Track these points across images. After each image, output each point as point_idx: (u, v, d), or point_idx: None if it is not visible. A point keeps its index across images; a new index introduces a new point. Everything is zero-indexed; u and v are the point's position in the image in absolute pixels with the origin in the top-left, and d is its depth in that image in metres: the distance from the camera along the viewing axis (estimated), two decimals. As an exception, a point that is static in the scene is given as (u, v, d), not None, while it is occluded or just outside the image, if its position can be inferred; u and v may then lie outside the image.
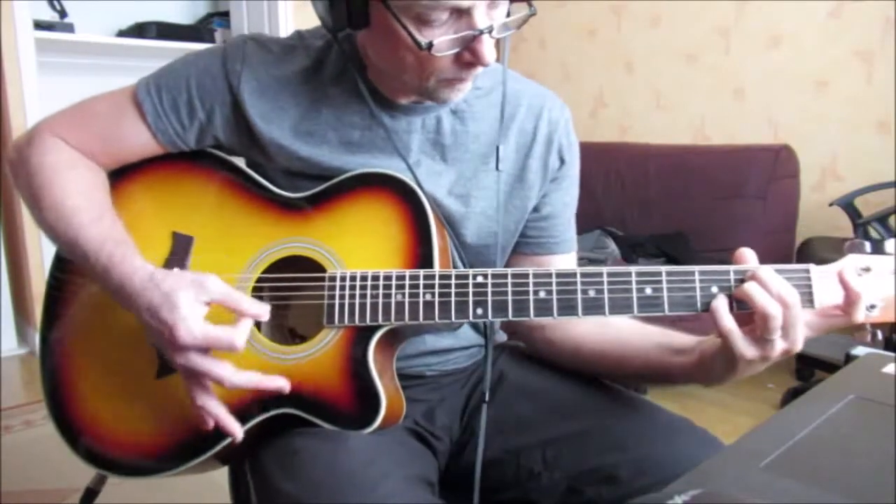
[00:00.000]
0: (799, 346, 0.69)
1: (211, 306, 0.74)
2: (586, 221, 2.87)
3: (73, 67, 3.11)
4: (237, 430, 0.76)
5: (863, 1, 2.57)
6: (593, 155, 3.10)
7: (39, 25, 2.80)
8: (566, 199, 0.94)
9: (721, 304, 0.70)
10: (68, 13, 3.07)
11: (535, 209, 0.92)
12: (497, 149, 0.87)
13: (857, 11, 2.59)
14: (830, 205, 2.25)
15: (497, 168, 0.87)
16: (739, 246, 0.74)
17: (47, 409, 0.88)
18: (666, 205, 2.81)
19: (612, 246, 2.68)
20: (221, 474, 0.93)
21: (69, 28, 2.99)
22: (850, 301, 0.68)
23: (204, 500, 1.53)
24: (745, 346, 0.69)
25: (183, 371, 0.74)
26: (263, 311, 0.74)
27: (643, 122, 3.31)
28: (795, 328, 0.68)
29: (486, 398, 0.85)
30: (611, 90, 3.43)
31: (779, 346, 0.68)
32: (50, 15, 3.02)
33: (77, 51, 3.07)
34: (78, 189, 0.84)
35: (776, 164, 2.60)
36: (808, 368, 2.54)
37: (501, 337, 1.05)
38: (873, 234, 2.08)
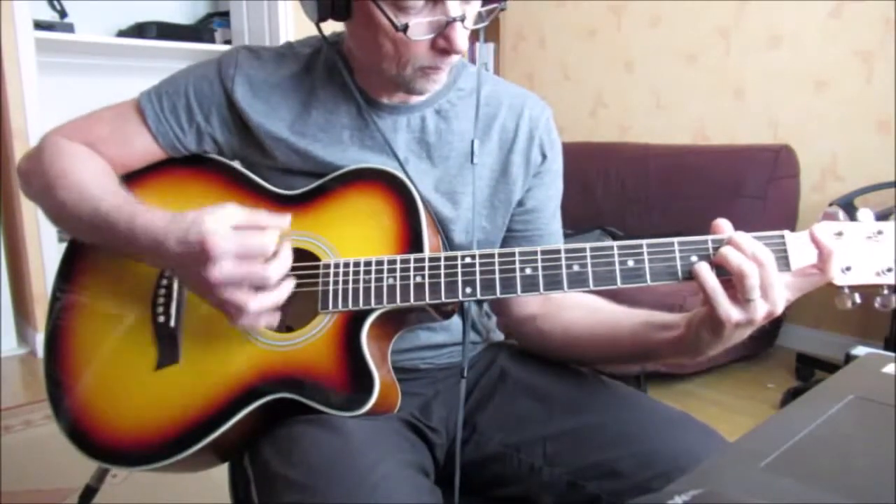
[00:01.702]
0: (780, 308, 0.71)
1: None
2: (586, 221, 2.88)
3: (73, 67, 3.11)
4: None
5: (863, 1, 2.57)
6: (593, 155, 3.11)
7: (39, 25, 2.80)
8: (549, 192, 0.97)
9: (703, 266, 0.71)
10: (68, 13, 3.08)
11: (519, 203, 0.96)
12: (472, 143, 0.90)
13: (857, 11, 2.60)
14: (830, 205, 2.25)
15: (472, 162, 0.90)
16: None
17: (49, 402, 0.89)
18: (666, 205, 2.82)
19: (612, 246, 2.68)
20: (221, 474, 0.93)
21: (69, 28, 2.99)
22: (823, 257, 0.71)
23: (204, 500, 1.53)
24: (729, 307, 0.70)
25: (220, 285, 0.74)
26: (284, 220, 0.78)
27: (643, 122, 3.31)
28: (773, 288, 0.70)
29: (465, 373, 0.87)
30: (611, 90, 3.44)
31: (760, 307, 0.70)
32: (50, 15, 3.03)
33: (77, 51, 3.07)
34: (96, 171, 0.88)
35: (776, 164, 2.60)
36: (808, 368, 2.55)
37: (499, 336, 1.06)
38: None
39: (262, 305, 0.75)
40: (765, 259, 0.69)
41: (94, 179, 0.86)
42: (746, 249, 0.70)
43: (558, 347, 0.94)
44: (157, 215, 0.79)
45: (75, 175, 0.86)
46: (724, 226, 0.73)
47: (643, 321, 0.85)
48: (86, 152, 0.90)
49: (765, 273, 0.69)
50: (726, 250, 0.70)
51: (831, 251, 0.70)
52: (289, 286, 0.77)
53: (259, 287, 0.75)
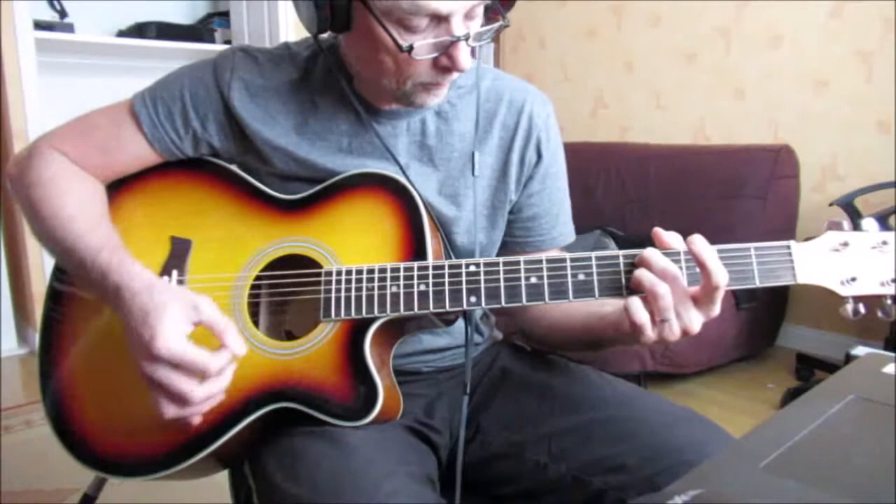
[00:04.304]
0: (696, 327, 0.73)
1: (197, 328, 0.75)
2: (586, 221, 2.87)
3: (73, 67, 3.11)
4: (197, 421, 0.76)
5: (863, 1, 2.57)
6: (593, 155, 3.10)
7: (39, 25, 2.80)
8: (553, 197, 0.96)
9: (636, 302, 0.72)
10: (68, 13, 3.07)
11: (520, 209, 0.95)
12: (473, 155, 0.89)
13: (857, 11, 2.59)
14: (830, 205, 2.25)
15: (473, 174, 0.89)
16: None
17: (45, 414, 0.88)
18: (666, 205, 2.82)
19: (612, 246, 2.68)
20: (222, 476, 0.93)
21: (69, 28, 2.99)
22: (705, 273, 0.71)
23: (204, 501, 1.53)
24: (651, 334, 0.73)
25: (147, 381, 0.73)
26: (241, 349, 0.75)
27: (643, 122, 3.31)
28: (684, 307, 0.72)
29: (468, 390, 0.87)
30: (611, 90, 3.43)
31: (675, 326, 0.72)
32: (50, 15, 3.03)
33: (77, 51, 3.07)
34: (76, 200, 0.86)
35: (776, 164, 2.60)
36: (808, 368, 2.55)
37: (499, 335, 1.06)
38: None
39: (178, 414, 0.74)
40: (673, 279, 0.71)
41: (74, 214, 0.84)
42: (657, 269, 0.71)
43: (545, 335, 0.96)
44: (134, 271, 0.77)
45: (54, 207, 0.84)
46: (663, 236, 0.74)
47: (590, 311, 0.87)
48: (71, 175, 0.88)
49: (675, 291, 0.71)
50: (639, 272, 0.72)
51: (710, 269, 0.70)
52: (212, 402, 0.75)
53: (181, 401, 0.73)
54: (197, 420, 0.76)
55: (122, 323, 0.76)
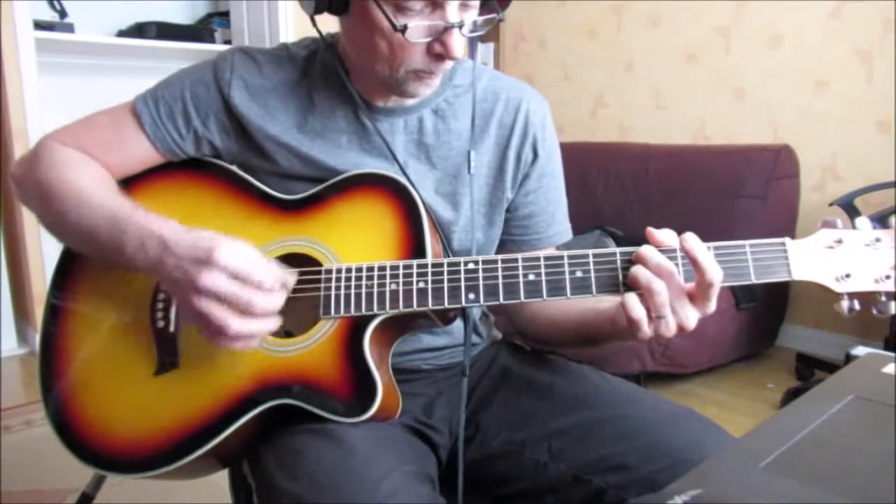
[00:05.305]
0: (691, 324, 0.73)
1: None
2: (586, 221, 2.88)
3: (73, 67, 3.11)
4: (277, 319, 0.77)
5: (863, 1, 2.57)
6: (593, 155, 3.10)
7: (39, 25, 2.80)
8: (549, 195, 0.97)
9: (632, 297, 0.73)
10: (68, 13, 3.07)
11: (517, 208, 0.95)
12: (469, 154, 0.89)
13: (857, 11, 2.60)
14: (830, 205, 2.25)
15: (469, 172, 0.89)
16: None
17: (45, 410, 0.88)
18: (666, 205, 2.82)
19: (612, 246, 2.68)
20: (222, 477, 0.93)
21: (69, 28, 2.99)
22: (698, 269, 0.71)
23: (204, 501, 1.53)
24: (647, 331, 0.73)
25: (205, 293, 0.73)
26: (292, 278, 0.79)
27: (643, 122, 3.31)
28: (680, 303, 0.73)
29: (466, 372, 0.87)
30: (611, 90, 3.44)
31: (671, 322, 0.73)
32: (50, 15, 3.03)
33: (77, 51, 3.07)
34: (95, 178, 0.87)
35: (776, 164, 2.60)
36: (808, 368, 2.55)
37: (499, 335, 1.06)
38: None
39: (242, 330, 0.74)
40: (669, 275, 0.72)
41: (95, 186, 0.85)
42: (653, 266, 0.72)
43: (542, 331, 0.96)
44: (171, 222, 0.79)
45: (74, 183, 0.85)
46: (656, 235, 0.75)
47: (587, 307, 0.87)
48: (82, 158, 0.89)
49: (671, 288, 0.72)
50: (635, 269, 0.73)
51: (703, 266, 0.71)
52: (274, 322, 0.77)
53: (243, 312, 0.74)
54: (255, 343, 0.77)
55: (167, 275, 0.76)
